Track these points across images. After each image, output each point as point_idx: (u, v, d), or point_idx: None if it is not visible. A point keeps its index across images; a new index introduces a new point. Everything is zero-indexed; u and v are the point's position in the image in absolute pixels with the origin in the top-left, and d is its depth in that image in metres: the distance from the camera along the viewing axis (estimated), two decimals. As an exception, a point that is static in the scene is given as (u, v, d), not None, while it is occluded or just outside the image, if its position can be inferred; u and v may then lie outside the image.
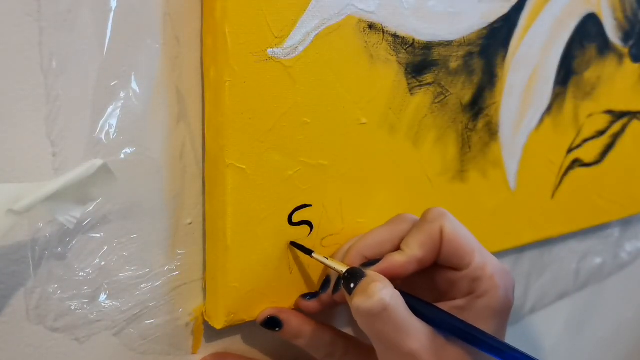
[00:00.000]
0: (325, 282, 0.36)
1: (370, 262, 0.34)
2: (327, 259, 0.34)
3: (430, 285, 0.35)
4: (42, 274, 0.30)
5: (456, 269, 0.34)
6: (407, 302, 0.32)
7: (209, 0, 0.31)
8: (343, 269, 0.33)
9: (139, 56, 0.31)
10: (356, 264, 0.34)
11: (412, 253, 0.33)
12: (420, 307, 0.32)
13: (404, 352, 0.31)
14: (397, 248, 0.35)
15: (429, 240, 0.33)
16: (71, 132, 0.30)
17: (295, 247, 0.35)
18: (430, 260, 0.34)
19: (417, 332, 0.31)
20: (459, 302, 0.33)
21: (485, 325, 0.33)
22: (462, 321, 0.32)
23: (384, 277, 0.32)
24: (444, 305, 0.34)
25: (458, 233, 0.33)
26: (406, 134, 0.39)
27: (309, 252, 0.35)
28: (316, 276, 0.38)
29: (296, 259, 0.36)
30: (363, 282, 0.32)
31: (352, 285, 0.32)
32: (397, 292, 0.31)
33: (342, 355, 0.37)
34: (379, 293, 0.31)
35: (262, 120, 0.33)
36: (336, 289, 0.35)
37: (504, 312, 0.33)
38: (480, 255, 0.33)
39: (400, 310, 0.31)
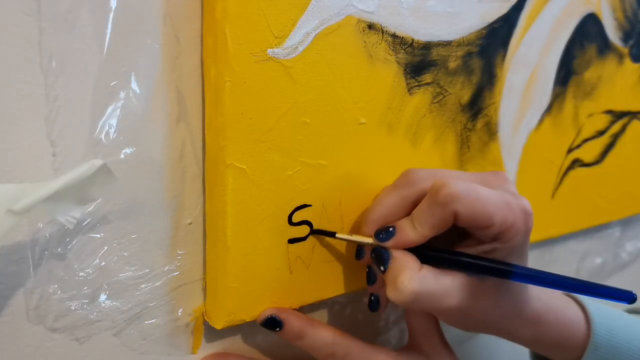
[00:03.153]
0: (359, 251, 0.38)
1: (385, 233, 0.35)
2: (351, 235, 0.37)
3: (450, 234, 0.35)
4: (42, 274, 0.30)
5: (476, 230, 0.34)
6: (434, 255, 0.34)
7: (209, 0, 0.31)
8: (367, 240, 0.36)
9: (139, 56, 0.31)
10: (372, 232, 0.36)
11: (424, 233, 0.34)
12: (448, 255, 0.34)
13: (442, 310, 0.34)
14: (408, 211, 0.36)
15: (442, 223, 0.34)
16: (71, 132, 0.30)
17: (317, 233, 0.37)
18: (444, 230, 0.34)
19: (451, 290, 0.33)
20: (483, 247, 0.34)
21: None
22: (489, 260, 0.34)
23: (408, 263, 0.33)
24: (470, 250, 0.35)
25: (473, 211, 0.32)
26: (405, 133, 0.39)
27: (332, 234, 0.37)
28: (316, 276, 0.38)
29: (296, 258, 0.36)
30: (391, 268, 0.34)
31: (382, 269, 0.34)
32: (422, 274, 0.33)
33: (343, 356, 0.37)
34: (408, 286, 0.32)
35: (262, 120, 0.33)
36: (359, 256, 0.38)
37: (525, 249, 0.35)
38: (500, 212, 0.33)
39: (430, 287, 0.33)
